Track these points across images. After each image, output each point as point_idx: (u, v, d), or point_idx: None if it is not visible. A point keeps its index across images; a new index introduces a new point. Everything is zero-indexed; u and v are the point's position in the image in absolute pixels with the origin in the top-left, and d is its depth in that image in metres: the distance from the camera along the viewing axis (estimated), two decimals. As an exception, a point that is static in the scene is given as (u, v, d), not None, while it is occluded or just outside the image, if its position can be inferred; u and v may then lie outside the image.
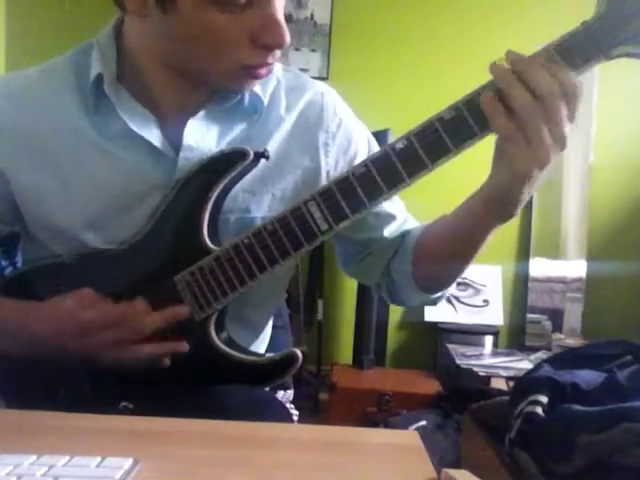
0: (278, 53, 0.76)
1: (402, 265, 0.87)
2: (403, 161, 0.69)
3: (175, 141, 0.81)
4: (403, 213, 0.92)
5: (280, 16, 0.72)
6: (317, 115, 0.87)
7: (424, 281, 0.87)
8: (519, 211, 0.71)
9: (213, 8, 0.69)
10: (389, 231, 0.90)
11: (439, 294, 0.89)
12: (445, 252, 0.82)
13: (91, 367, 0.76)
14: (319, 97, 0.88)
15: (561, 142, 0.64)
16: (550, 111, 0.63)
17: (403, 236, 0.90)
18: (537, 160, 0.65)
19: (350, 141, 0.89)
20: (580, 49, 0.64)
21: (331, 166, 0.87)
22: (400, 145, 0.69)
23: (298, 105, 0.87)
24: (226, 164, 0.77)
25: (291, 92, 0.87)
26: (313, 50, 2.73)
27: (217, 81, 0.78)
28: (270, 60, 0.75)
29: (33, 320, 0.76)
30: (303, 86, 0.88)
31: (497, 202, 0.71)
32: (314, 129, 0.87)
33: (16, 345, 0.77)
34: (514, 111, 0.64)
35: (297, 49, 2.71)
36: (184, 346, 0.76)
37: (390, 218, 0.90)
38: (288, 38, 0.72)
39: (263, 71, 0.76)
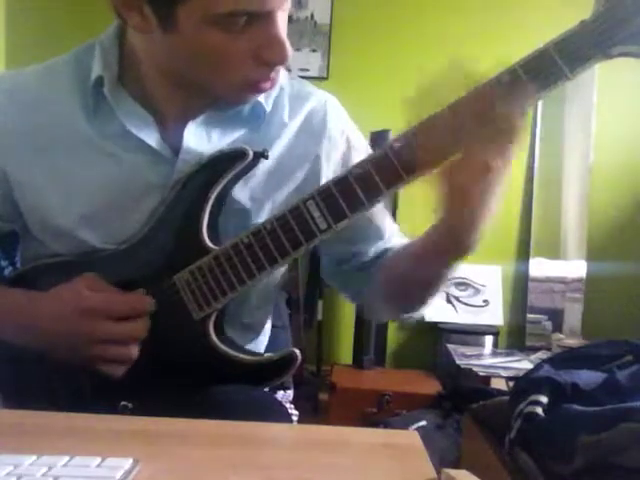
0: (281, 67, 0.76)
1: (372, 281, 0.88)
2: (401, 160, 0.69)
3: (175, 143, 0.81)
4: (390, 229, 0.92)
5: (282, 33, 0.72)
6: (320, 123, 0.87)
7: (391, 301, 0.87)
8: (475, 245, 0.70)
9: (214, 28, 0.69)
10: (375, 248, 0.90)
11: (407, 315, 0.90)
12: (407, 278, 0.82)
13: (80, 360, 0.75)
14: (322, 105, 0.88)
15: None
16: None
17: (384, 253, 0.90)
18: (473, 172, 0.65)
19: (351, 150, 0.89)
20: (579, 48, 0.64)
21: (332, 172, 0.87)
22: (398, 144, 0.69)
23: (301, 112, 0.87)
24: (225, 164, 0.77)
25: (295, 99, 0.87)
26: (313, 50, 2.73)
27: (220, 95, 0.79)
28: (273, 75, 0.76)
29: (37, 302, 0.76)
30: (307, 94, 0.88)
31: (449, 232, 0.71)
32: (317, 136, 0.87)
33: (16, 331, 0.77)
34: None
35: (297, 49, 2.70)
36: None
37: (382, 234, 0.90)
38: (290, 55, 0.72)
39: (266, 85, 0.77)
